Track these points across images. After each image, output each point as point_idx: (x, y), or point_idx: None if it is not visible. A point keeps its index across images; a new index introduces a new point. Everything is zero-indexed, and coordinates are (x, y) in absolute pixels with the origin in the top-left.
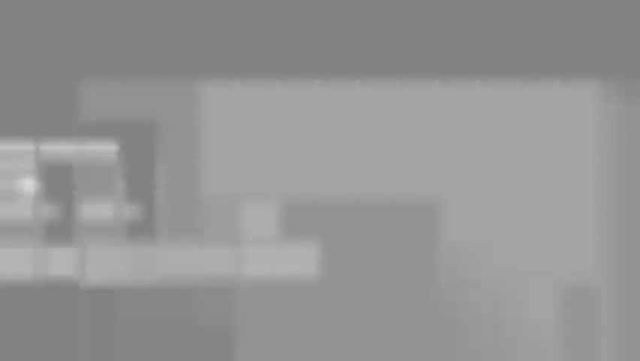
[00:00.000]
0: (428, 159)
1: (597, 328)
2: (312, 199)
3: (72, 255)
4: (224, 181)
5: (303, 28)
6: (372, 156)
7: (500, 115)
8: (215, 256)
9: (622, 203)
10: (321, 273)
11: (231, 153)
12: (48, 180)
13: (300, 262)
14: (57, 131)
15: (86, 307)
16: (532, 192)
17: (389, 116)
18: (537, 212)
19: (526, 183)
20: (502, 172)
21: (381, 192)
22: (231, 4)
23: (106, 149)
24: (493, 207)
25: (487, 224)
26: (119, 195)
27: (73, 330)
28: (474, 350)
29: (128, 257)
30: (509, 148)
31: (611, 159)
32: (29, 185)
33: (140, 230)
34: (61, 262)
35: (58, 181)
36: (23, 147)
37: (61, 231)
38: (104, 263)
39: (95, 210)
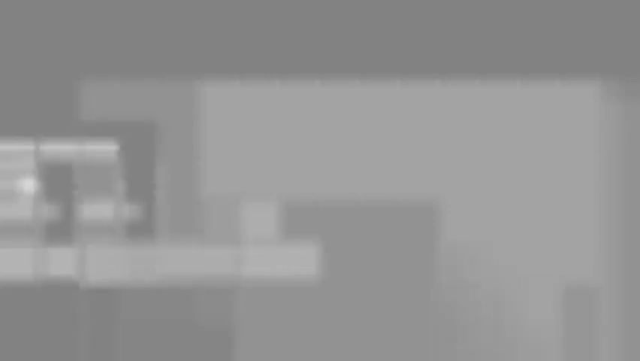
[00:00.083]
0: (428, 159)
1: (597, 328)
2: (312, 199)
3: (72, 255)
4: (224, 181)
5: (303, 28)
6: (372, 155)
7: (500, 115)
8: (215, 256)
9: (622, 203)
10: (321, 273)
11: (231, 153)
12: (48, 180)
13: (300, 262)
14: (57, 131)
15: (86, 307)
16: (532, 192)
17: (389, 116)
18: (537, 212)
19: (526, 183)
20: (502, 172)
21: (381, 192)
22: (231, 4)
23: (106, 149)
24: (493, 207)
25: (487, 224)
26: (119, 195)
27: (73, 330)
28: (474, 350)
29: (128, 257)
30: (509, 148)
31: (611, 159)
32: (29, 185)
33: (140, 230)
34: (61, 262)
35: (58, 181)
36: (23, 147)
37: (61, 231)
38: (104, 263)
39: (95, 210)
